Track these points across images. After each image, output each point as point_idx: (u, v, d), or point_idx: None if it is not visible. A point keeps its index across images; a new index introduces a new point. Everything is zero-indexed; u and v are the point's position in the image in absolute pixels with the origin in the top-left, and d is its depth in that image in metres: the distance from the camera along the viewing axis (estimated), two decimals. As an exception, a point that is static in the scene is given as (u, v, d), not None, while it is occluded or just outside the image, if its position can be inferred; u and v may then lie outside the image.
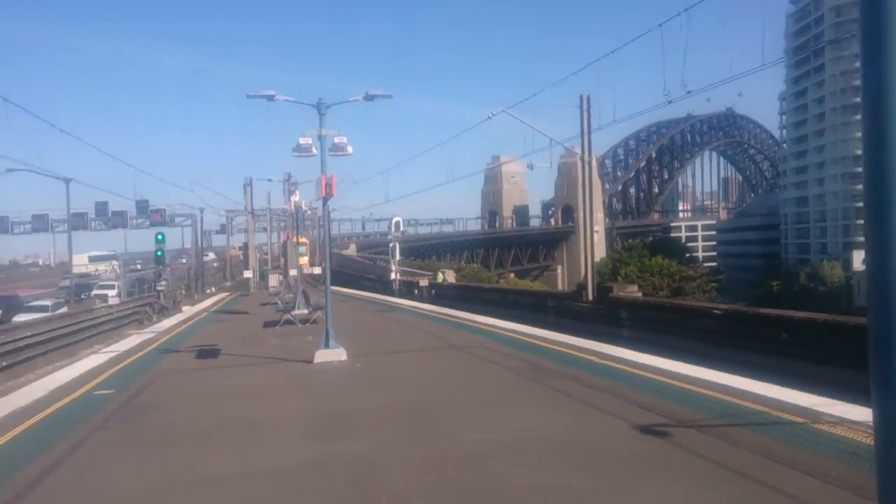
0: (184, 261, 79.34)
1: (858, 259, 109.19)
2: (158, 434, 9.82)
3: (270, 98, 17.34)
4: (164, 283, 40.53)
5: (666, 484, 6.75)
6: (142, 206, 64.36)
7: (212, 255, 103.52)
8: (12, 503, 6.99)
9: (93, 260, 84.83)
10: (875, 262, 2.41)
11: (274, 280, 49.65)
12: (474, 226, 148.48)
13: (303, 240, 49.66)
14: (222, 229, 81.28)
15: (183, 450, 8.91)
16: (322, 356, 15.72)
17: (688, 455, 7.55)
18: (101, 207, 64.13)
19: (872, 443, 6.96)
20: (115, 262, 75.27)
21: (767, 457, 7.24)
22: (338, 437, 9.21)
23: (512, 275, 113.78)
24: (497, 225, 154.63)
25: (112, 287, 50.30)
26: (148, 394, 12.88)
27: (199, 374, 15.35)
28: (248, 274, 60.45)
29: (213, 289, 68.46)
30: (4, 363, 18.84)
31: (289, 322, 23.90)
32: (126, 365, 16.71)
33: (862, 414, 8.54)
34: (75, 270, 75.19)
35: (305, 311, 25.06)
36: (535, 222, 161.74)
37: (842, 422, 8.32)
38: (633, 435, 8.53)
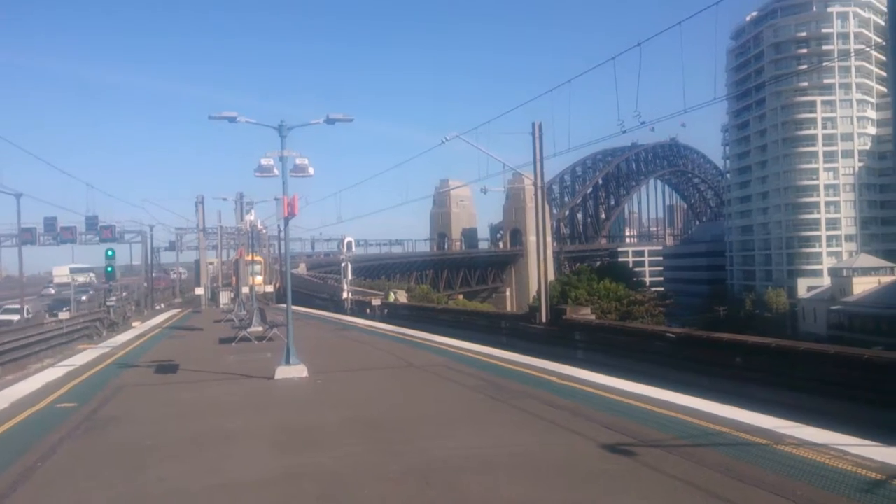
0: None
1: (803, 286, 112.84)
2: (125, 447, 9.75)
3: (232, 120, 17.50)
4: (113, 298, 39.87)
5: (636, 500, 6.90)
6: (91, 223, 63.32)
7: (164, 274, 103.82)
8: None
9: (73, 272, 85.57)
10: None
11: (225, 297, 49.18)
12: (423, 247, 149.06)
13: (258, 258, 49.02)
14: (171, 246, 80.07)
15: (151, 462, 8.86)
16: (283, 372, 15.75)
17: (655, 474, 7.71)
18: (50, 223, 62.93)
19: (835, 464, 7.37)
20: (92, 275, 79.51)
21: (734, 477, 7.41)
22: (305, 451, 9.25)
23: (461, 296, 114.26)
24: (446, 247, 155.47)
25: (14, 312, 49.51)
26: (110, 407, 12.73)
27: (160, 388, 15.20)
28: (199, 291, 59.72)
29: (162, 305, 67.34)
30: (-46, 377, 18.50)
31: (245, 339, 23.82)
32: (85, 378, 16.45)
33: (823, 437, 8.86)
34: (56, 281, 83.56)
35: (261, 329, 25.01)
36: (483, 245, 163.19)
37: (804, 444, 8.56)
38: (599, 453, 8.68)
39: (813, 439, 8.77)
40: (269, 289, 49.42)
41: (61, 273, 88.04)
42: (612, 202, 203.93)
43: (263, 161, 17.10)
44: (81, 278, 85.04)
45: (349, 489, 7.53)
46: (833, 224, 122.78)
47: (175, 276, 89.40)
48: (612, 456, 8.52)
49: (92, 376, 16.99)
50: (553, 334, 27.76)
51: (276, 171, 16.97)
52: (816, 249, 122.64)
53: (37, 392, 14.43)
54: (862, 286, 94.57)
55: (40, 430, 10.89)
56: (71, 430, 10.80)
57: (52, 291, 78.57)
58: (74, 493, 7.69)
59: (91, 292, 60.73)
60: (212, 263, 68.94)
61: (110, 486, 7.90)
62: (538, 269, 33.18)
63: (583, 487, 7.43)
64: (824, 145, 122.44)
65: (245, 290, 40.10)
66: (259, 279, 48.60)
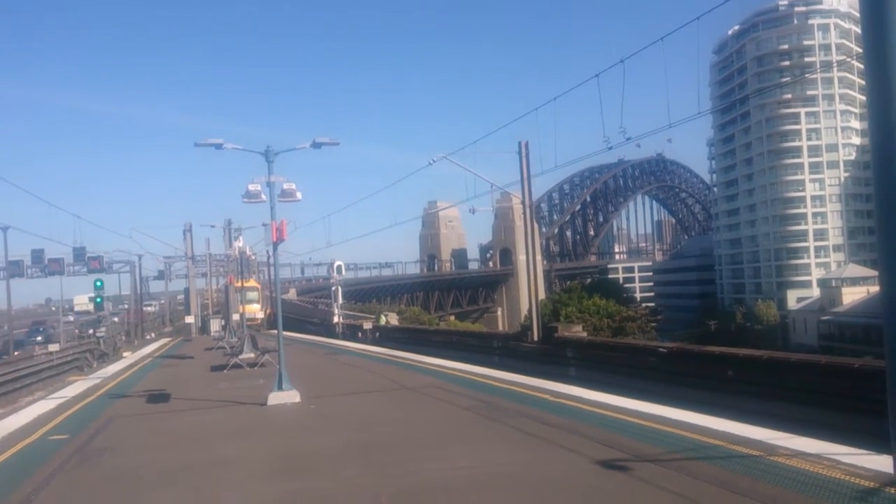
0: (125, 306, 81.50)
1: (793, 298, 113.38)
2: (118, 477, 9.71)
3: (219, 146, 17.61)
4: (103, 329, 39.69)
5: (633, 515, 6.91)
6: (79, 254, 63.26)
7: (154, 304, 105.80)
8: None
9: (91, 300, 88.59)
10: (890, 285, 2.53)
11: (216, 325, 48.95)
12: (413, 269, 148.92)
13: (254, 283, 48.04)
14: (160, 275, 79.98)
15: (145, 492, 8.83)
16: (276, 398, 15.72)
17: (651, 488, 7.73)
18: (37, 255, 62.94)
19: (829, 474, 7.41)
20: (108, 303, 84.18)
21: (729, 489, 7.43)
22: (301, 475, 9.24)
23: (452, 317, 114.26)
24: (436, 268, 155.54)
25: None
26: (103, 438, 12.67)
27: (152, 417, 15.13)
28: (189, 319, 59.56)
29: (153, 334, 67.04)
30: (-57, 412, 18.36)
31: (237, 366, 23.75)
32: (77, 410, 16.38)
33: (816, 447, 8.89)
34: (77, 308, 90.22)
35: (252, 355, 24.95)
36: (473, 265, 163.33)
37: (797, 454, 8.60)
38: (594, 470, 8.69)
39: (806, 449, 8.81)
40: (260, 315, 49.46)
41: (81, 301, 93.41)
42: (601, 219, 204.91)
43: (251, 187, 17.15)
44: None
45: (344, 513, 7.53)
46: (821, 235, 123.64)
47: (152, 308, 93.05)
48: (608, 472, 8.54)
49: (83, 407, 16.90)
50: (545, 352, 27.80)
51: (263, 197, 17.03)
52: (805, 261, 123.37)
53: (29, 424, 14.37)
54: (851, 296, 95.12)
55: (33, 462, 10.85)
56: (64, 462, 10.74)
57: (72, 318, 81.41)
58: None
59: (115, 319, 64.03)
60: (206, 294, 69.61)
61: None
62: (529, 288, 33.30)
63: (578, 505, 7.42)
64: (809, 156, 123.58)
65: (235, 317, 40.00)
66: (256, 307, 47.17)
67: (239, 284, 47.29)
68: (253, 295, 52.75)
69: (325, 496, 8.23)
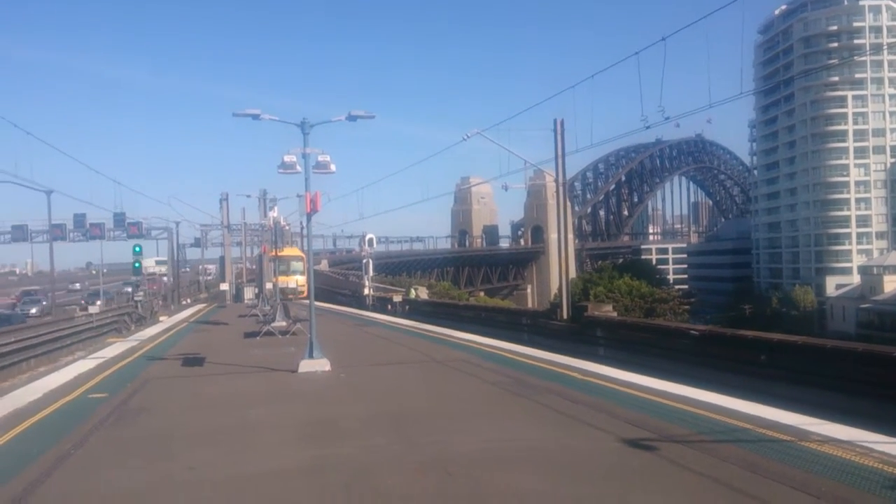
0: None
1: (832, 284, 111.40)
2: (154, 436, 9.99)
3: (255, 117, 17.74)
4: (141, 293, 40.49)
5: (658, 495, 6.90)
6: (119, 219, 64.64)
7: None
8: (24, 496, 7.19)
9: (158, 263, 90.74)
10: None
11: (249, 293, 49.61)
12: (444, 244, 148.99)
13: (295, 252, 46.23)
14: (196, 243, 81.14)
15: (179, 452, 9.07)
16: (306, 366, 15.94)
17: (677, 469, 7.72)
18: (79, 219, 64.57)
19: (861, 461, 7.32)
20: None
21: (756, 472, 7.39)
22: (329, 442, 9.39)
23: (482, 293, 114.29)
24: (467, 244, 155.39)
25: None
26: (140, 398, 13.02)
27: (187, 380, 15.48)
28: (224, 286, 60.45)
29: (188, 300, 68.23)
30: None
31: (269, 333, 24.09)
32: (115, 371, 16.83)
33: (849, 433, 8.79)
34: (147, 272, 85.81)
35: (284, 324, 25.27)
36: (504, 242, 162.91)
37: (829, 440, 8.52)
38: (620, 448, 8.69)
39: (838, 436, 8.72)
40: (292, 284, 46.43)
41: (147, 264, 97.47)
42: (636, 199, 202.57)
43: (287, 158, 17.29)
44: (163, 269, 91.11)
45: (372, 480, 7.64)
46: (863, 221, 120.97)
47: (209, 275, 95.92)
48: (634, 451, 8.55)
49: (121, 368, 17.34)
50: (574, 331, 27.74)
51: (298, 168, 17.16)
52: (846, 247, 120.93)
53: (69, 383, 14.83)
54: (893, 284, 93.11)
55: (74, 418, 11.23)
56: (102, 420, 11.08)
57: (78, 287, 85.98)
58: (106, 480, 7.92)
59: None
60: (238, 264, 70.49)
61: (141, 474, 8.14)
62: (559, 267, 33.15)
63: (604, 482, 7.46)
64: (855, 141, 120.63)
65: (268, 285, 40.52)
66: (301, 278, 45.43)
67: (277, 253, 45.81)
68: (298, 265, 48.77)
69: (352, 462, 8.35)
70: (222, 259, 72.30)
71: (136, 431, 10.34)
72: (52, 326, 26.96)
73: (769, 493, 6.77)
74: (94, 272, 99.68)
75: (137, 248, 46.12)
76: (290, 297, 45.19)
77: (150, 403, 12.52)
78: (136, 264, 45.20)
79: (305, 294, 50.86)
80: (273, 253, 45.41)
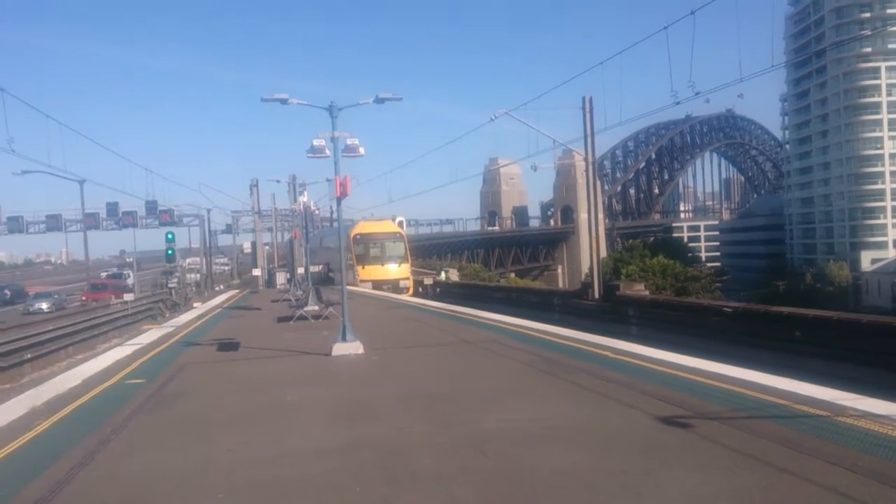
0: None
1: (867, 259, 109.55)
2: (193, 420, 10.19)
3: (284, 101, 17.82)
4: (175, 280, 41.07)
5: (693, 471, 6.89)
6: (151, 207, 65.64)
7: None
8: (68, 479, 7.37)
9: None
10: None
11: (281, 278, 49.92)
12: (474, 226, 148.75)
13: (389, 228, 38.16)
14: (228, 229, 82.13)
15: (217, 434, 9.24)
16: (340, 349, 16.07)
17: (711, 445, 7.70)
18: (112, 208, 65.72)
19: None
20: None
21: (793, 448, 7.33)
22: (363, 423, 9.49)
23: (512, 274, 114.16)
24: (496, 225, 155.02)
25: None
26: (177, 383, 13.26)
27: (222, 365, 15.73)
28: (256, 272, 61.09)
29: (221, 286, 69.08)
30: (30, 355, 19.38)
31: (302, 318, 24.33)
32: (151, 357, 17.13)
33: (886, 408, 8.67)
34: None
35: (317, 308, 25.48)
36: (534, 223, 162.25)
37: (865, 416, 8.41)
38: (653, 425, 8.68)
39: (875, 410, 8.61)
40: (407, 280, 38.16)
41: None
42: (666, 176, 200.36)
43: (315, 142, 17.37)
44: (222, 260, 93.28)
45: (407, 459, 7.74)
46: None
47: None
48: (667, 428, 8.53)
49: (158, 354, 17.63)
50: (606, 310, 27.69)
51: (327, 152, 17.22)
52: (881, 221, 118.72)
53: (107, 369, 15.11)
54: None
55: (113, 404, 11.46)
56: (141, 405, 11.30)
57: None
58: (146, 463, 8.10)
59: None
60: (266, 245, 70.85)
61: (181, 456, 8.31)
62: (590, 246, 33.01)
63: (637, 458, 7.46)
64: (889, 112, 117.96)
65: (300, 270, 40.78)
66: (400, 269, 37.31)
67: (360, 232, 37.13)
68: (396, 248, 38.88)
69: (386, 442, 8.45)
70: (254, 245, 73.04)
71: (173, 415, 10.54)
72: (90, 314, 27.50)
73: (804, 468, 6.73)
74: (128, 259, 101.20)
75: (170, 236, 46.76)
76: (385, 288, 36.88)
77: (187, 388, 12.75)
78: (170, 251, 45.80)
79: (411, 291, 38.91)
80: (352, 231, 37.28)
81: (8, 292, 66.37)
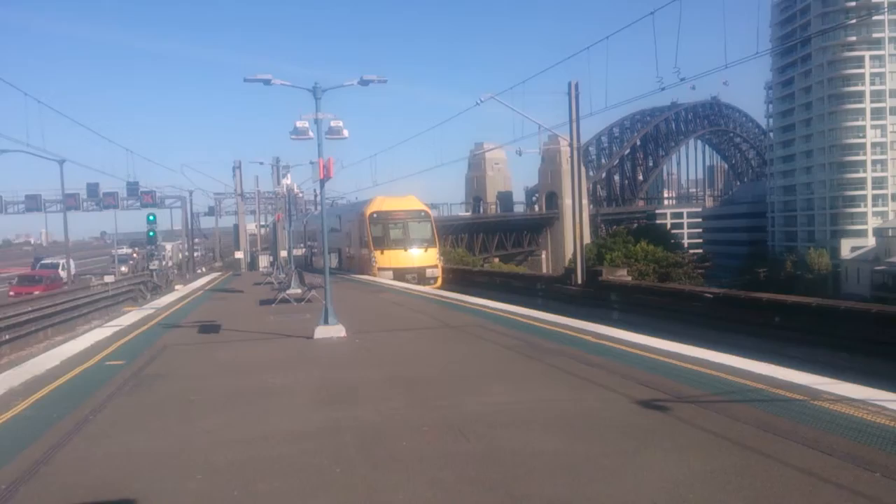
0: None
1: (847, 247, 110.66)
2: (171, 401, 10.13)
3: (267, 82, 17.73)
4: (156, 262, 40.81)
5: (670, 453, 6.97)
6: (132, 188, 65.04)
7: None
8: (44, 460, 7.33)
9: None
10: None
11: (264, 261, 49.69)
12: (458, 211, 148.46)
13: (413, 204, 33.56)
14: (210, 211, 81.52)
15: (197, 416, 9.21)
16: (322, 332, 16.06)
17: (690, 428, 7.78)
18: (93, 188, 64.96)
19: (874, 419, 7.34)
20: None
21: (769, 431, 7.44)
22: (345, 405, 9.49)
23: (497, 259, 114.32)
24: (481, 210, 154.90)
25: None
26: (157, 365, 13.17)
27: (203, 347, 15.63)
28: (238, 255, 60.81)
29: (203, 269, 68.75)
30: (7, 336, 19.22)
31: (284, 301, 24.25)
32: (131, 338, 16.99)
33: (862, 392, 8.79)
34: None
35: (299, 291, 25.41)
36: (518, 208, 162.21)
37: (841, 399, 8.52)
38: (633, 408, 8.77)
39: (851, 395, 8.72)
40: (435, 269, 32.70)
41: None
42: (651, 163, 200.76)
43: (299, 124, 17.27)
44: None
45: (387, 441, 7.75)
46: (879, 183, 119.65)
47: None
48: (647, 411, 8.61)
49: (138, 336, 17.52)
50: (589, 295, 27.82)
51: (311, 134, 17.16)
52: (861, 209, 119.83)
53: (87, 350, 15.00)
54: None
55: (92, 385, 11.38)
56: (120, 386, 11.23)
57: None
58: (125, 444, 8.05)
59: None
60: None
61: (160, 437, 8.28)
62: (574, 232, 33.07)
63: (617, 441, 7.52)
64: (872, 102, 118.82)
65: (283, 253, 40.64)
66: (427, 254, 32.09)
67: (381, 208, 32.53)
68: (422, 229, 33.32)
69: (368, 425, 8.46)
70: (236, 227, 72.67)
71: (153, 397, 10.48)
72: (69, 296, 27.27)
73: (781, 451, 6.82)
74: (108, 241, 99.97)
75: (152, 217, 46.35)
76: (410, 278, 31.81)
77: (168, 369, 12.68)
78: (151, 233, 45.44)
79: (440, 282, 33.27)
80: (367, 209, 32.63)
81: None
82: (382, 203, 32.16)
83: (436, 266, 32.37)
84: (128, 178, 64.79)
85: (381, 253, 30.05)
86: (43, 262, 59.89)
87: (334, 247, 42.24)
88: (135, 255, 65.56)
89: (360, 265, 35.68)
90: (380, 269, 31.19)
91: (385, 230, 31.03)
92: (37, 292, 33.13)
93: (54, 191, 57.31)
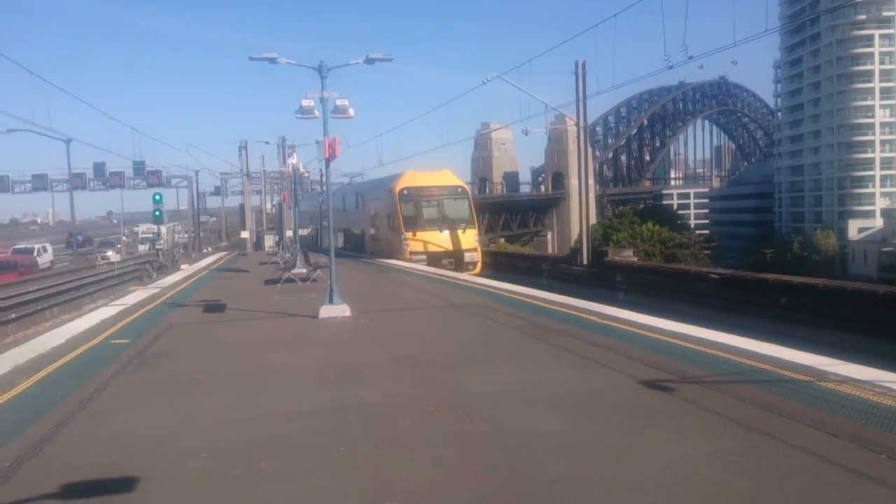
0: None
1: (854, 228, 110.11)
2: (176, 380, 10.15)
3: (272, 61, 17.62)
4: (162, 241, 40.87)
5: (675, 433, 6.94)
6: (139, 168, 65.03)
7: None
8: (49, 437, 7.36)
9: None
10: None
11: (270, 241, 49.70)
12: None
13: (448, 179, 30.72)
14: (216, 191, 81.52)
15: (201, 394, 9.22)
16: (327, 311, 16.07)
17: (695, 408, 7.75)
18: (99, 168, 65.03)
19: (880, 401, 7.30)
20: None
21: (774, 412, 7.40)
22: (350, 384, 9.48)
23: (502, 239, 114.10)
24: (487, 191, 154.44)
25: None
26: (162, 343, 13.20)
27: (208, 326, 15.66)
28: (244, 234, 60.84)
29: (209, 248, 68.85)
30: (14, 315, 19.28)
31: (289, 280, 24.26)
32: (137, 317, 17.03)
33: (868, 374, 8.73)
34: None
35: (304, 270, 25.40)
36: (524, 189, 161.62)
37: (847, 381, 8.47)
38: (638, 389, 8.74)
39: (857, 376, 8.67)
40: (475, 254, 29.64)
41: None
42: (658, 143, 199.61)
43: (304, 102, 17.22)
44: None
45: (391, 421, 7.74)
46: (888, 164, 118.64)
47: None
48: (652, 392, 8.58)
49: (143, 315, 17.55)
50: (594, 276, 27.74)
51: (316, 113, 17.10)
52: (869, 190, 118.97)
53: (92, 329, 15.04)
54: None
55: (98, 362, 11.42)
56: (125, 364, 11.25)
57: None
58: (128, 422, 8.07)
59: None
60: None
61: (163, 416, 8.28)
62: (580, 212, 32.95)
63: (622, 421, 7.50)
64: (881, 81, 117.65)
65: (289, 233, 40.61)
66: (467, 235, 28.93)
67: (412, 184, 29.08)
68: (459, 208, 29.88)
69: (372, 404, 8.46)
70: (242, 207, 72.62)
71: (158, 375, 10.50)
72: (76, 275, 27.34)
73: (786, 432, 6.79)
74: (114, 221, 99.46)
75: (158, 197, 46.23)
76: (446, 263, 28.36)
77: (172, 348, 12.69)
78: (157, 213, 45.36)
79: (479, 268, 29.46)
80: (397, 185, 29.60)
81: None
82: (414, 178, 29.62)
83: (475, 249, 29.60)
84: (134, 157, 64.67)
85: (414, 235, 27.59)
86: (17, 247, 56.17)
87: (357, 227, 39.71)
88: (124, 238, 64.54)
89: (389, 248, 32.97)
90: (412, 253, 28.71)
91: (417, 209, 28.42)
92: (11, 279, 29.63)
93: (61, 170, 57.22)
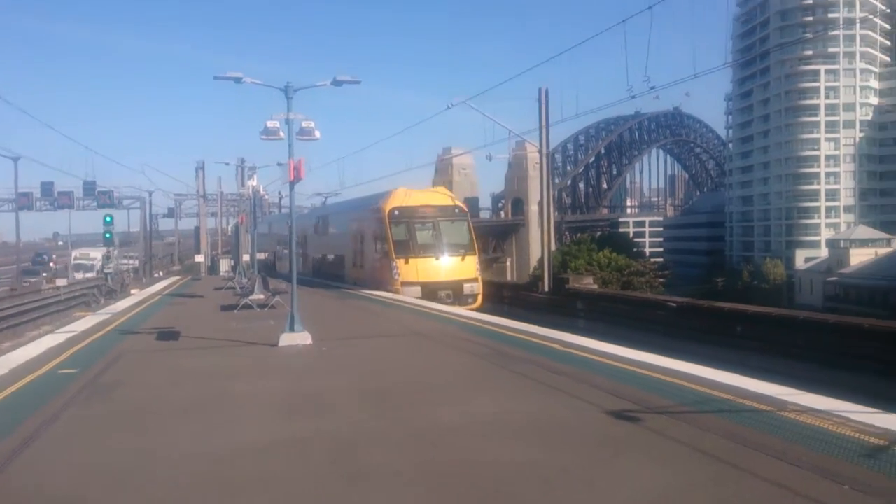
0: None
1: (801, 258, 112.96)
2: (129, 412, 9.77)
3: (238, 80, 17.43)
4: (111, 266, 39.89)
5: (644, 465, 6.94)
6: (89, 188, 63.54)
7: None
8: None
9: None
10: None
11: (225, 265, 48.90)
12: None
13: (443, 198, 27.73)
14: (170, 213, 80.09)
15: (155, 427, 8.89)
16: (287, 339, 15.73)
17: (661, 439, 7.77)
18: (47, 187, 63.31)
19: (839, 430, 7.35)
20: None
21: (739, 442, 7.45)
22: (312, 416, 9.28)
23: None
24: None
25: None
26: (113, 373, 12.71)
27: (162, 354, 15.20)
28: (199, 258, 59.79)
29: (160, 273, 67.41)
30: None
31: (247, 307, 23.82)
32: (86, 345, 16.37)
33: (826, 403, 8.86)
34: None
35: (263, 296, 24.98)
36: (484, 214, 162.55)
37: (807, 410, 8.58)
38: (604, 419, 8.72)
39: (815, 406, 8.79)
40: (475, 283, 27.08)
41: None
42: (615, 171, 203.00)
43: (269, 123, 17.01)
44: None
45: (356, 453, 7.58)
46: (832, 195, 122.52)
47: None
48: (617, 421, 8.57)
49: (93, 343, 16.93)
50: (555, 303, 27.84)
51: (282, 134, 16.90)
52: (815, 220, 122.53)
53: (36, 358, 14.28)
54: (859, 257, 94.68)
55: (43, 395, 10.82)
56: (73, 396, 10.73)
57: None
58: (77, 458, 7.66)
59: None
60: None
61: (115, 451, 7.89)
62: (541, 239, 33.18)
63: (588, 451, 7.48)
64: (826, 115, 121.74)
65: (245, 257, 39.97)
66: (465, 263, 25.95)
67: (403, 205, 26.02)
68: (457, 231, 26.67)
69: (337, 437, 8.27)
70: (197, 230, 71.45)
71: (110, 407, 10.08)
72: (17, 300, 26.41)
73: (750, 462, 6.82)
74: (60, 243, 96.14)
75: (108, 218, 45.21)
76: (443, 295, 25.56)
77: (125, 378, 12.25)
78: (108, 234, 44.33)
79: (481, 301, 26.52)
80: (386, 204, 26.54)
81: None
82: (407, 196, 26.65)
83: (476, 280, 26.16)
84: (86, 177, 63.28)
85: (406, 262, 24.86)
86: None
87: (332, 252, 36.37)
88: (53, 264, 62.57)
89: (375, 277, 29.25)
90: (404, 283, 25.84)
91: (410, 232, 25.43)
92: None
93: (6, 189, 55.88)
